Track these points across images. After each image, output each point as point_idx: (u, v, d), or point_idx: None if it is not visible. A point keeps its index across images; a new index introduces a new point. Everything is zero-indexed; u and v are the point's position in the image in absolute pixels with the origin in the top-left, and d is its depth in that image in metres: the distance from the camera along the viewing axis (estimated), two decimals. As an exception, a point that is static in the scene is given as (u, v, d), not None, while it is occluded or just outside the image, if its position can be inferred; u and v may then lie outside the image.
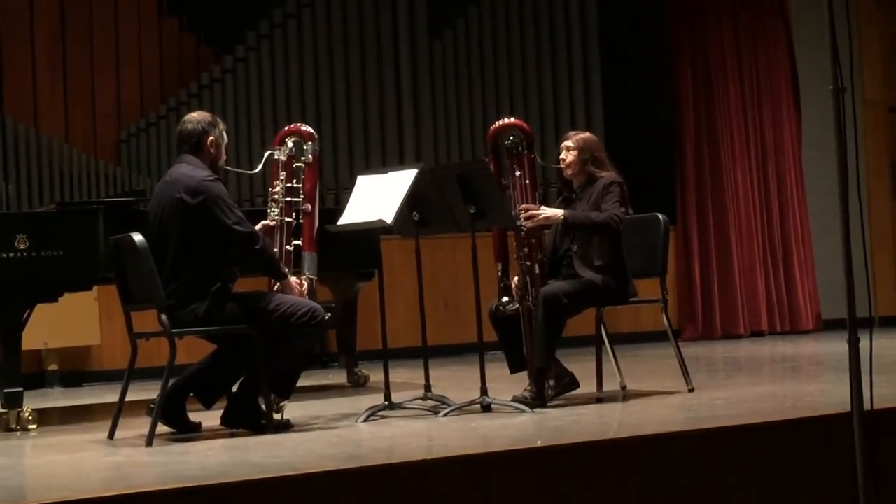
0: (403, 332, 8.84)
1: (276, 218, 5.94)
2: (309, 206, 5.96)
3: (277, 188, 5.98)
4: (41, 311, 6.54)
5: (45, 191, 10.06)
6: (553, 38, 11.31)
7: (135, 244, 5.42)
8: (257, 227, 5.91)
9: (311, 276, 5.88)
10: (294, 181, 5.98)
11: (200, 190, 5.53)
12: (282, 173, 5.99)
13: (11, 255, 6.22)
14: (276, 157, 6.02)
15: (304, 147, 6.04)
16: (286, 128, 6.25)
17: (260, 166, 6.08)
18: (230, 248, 5.59)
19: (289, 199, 5.96)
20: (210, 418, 5.76)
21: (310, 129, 6.14)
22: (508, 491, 4.43)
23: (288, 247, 5.91)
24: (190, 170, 5.63)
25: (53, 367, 9.42)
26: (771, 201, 11.35)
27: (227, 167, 6.08)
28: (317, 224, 6.00)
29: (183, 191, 5.55)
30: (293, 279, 5.78)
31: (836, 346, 7.76)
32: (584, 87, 11.28)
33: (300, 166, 6.00)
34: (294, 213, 5.95)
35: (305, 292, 5.79)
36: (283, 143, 6.07)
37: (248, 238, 5.58)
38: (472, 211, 5.93)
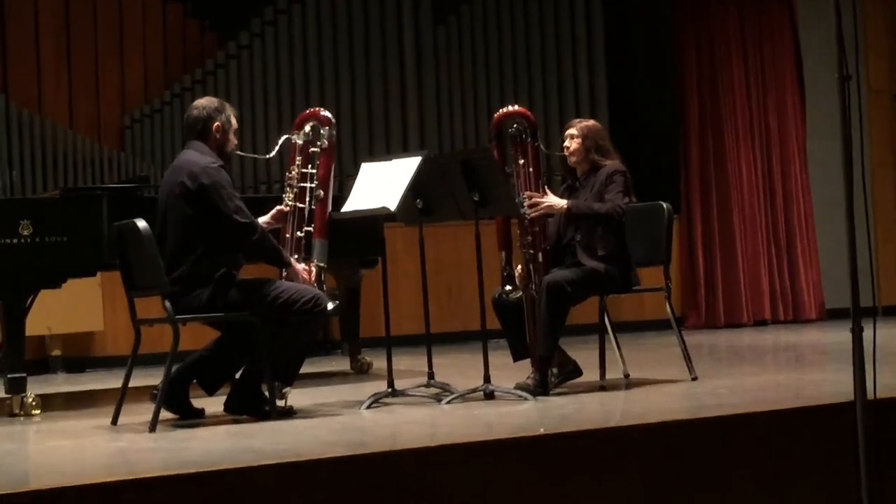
0: (407, 319, 8.85)
1: (290, 203, 5.92)
2: (322, 192, 5.93)
3: (293, 173, 5.96)
4: (45, 296, 6.53)
5: (49, 177, 10.05)
6: (557, 25, 11.30)
7: (138, 230, 5.42)
8: (272, 212, 5.91)
9: (320, 263, 5.87)
10: (309, 166, 5.96)
11: (202, 176, 5.53)
12: (298, 158, 5.96)
13: (15, 240, 6.22)
14: (293, 141, 6.00)
15: (322, 132, 6.01)
16: (305, 112, 6.21)
17: (275, 151, 6.04)
18: (229, 237, 5.58)
19: (303, 184, 5.93)
20: (213, 404, 5.77)
21: (328, 113, 6.09)
22: (511, 478, 4.43)
23: (299, 233, 5.89)
24: (195, 156, 5.63)
25: (57, 352, 9.43)
26: (775, 190, 11.33)
27: (240, 152, 6.05)
28: (329, 210, 5.98)
29: (186, 176, 5.55)
30: (302, 266, 5.78)
31: (839, 336, 7.73)
32: (588, 75, 11.27)
33: (316, 151, 5.98)
34: (307, 199, 5.93)
35: (314, 279, 5.78)
36: (301, 127, 6.04)
37: (245, 228, 5.57)
38: (475, 199, 5.93)
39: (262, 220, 5.89)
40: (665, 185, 10.44)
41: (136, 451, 4.98)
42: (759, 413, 5.05)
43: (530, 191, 6.15)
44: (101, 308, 9.32)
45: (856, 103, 4.29)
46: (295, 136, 6.00)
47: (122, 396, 5.66)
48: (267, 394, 5.57)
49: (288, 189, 5.96)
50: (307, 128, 6.03)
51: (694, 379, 6.41)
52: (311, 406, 6.02)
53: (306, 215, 5.91)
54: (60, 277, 6.46)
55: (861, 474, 4.18)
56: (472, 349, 7.33)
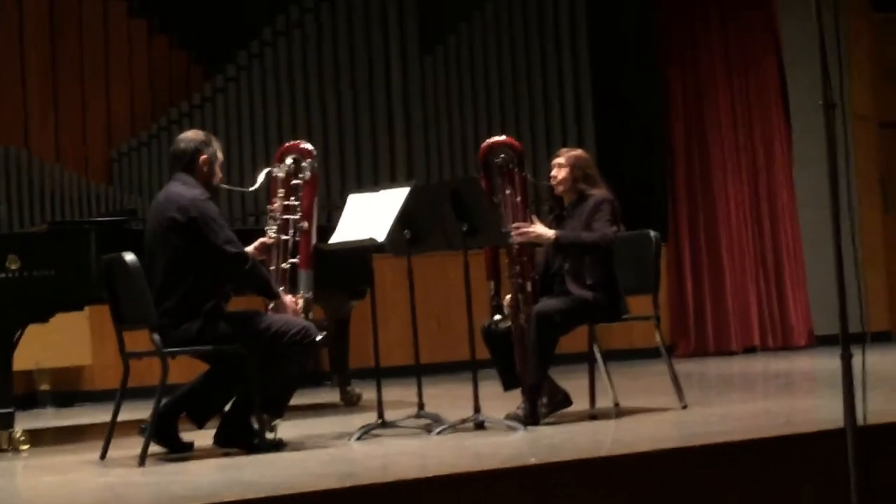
0: (396, 349, 8.83)
1: (274, 235, 5.93)
2: (306, 224, 5.94)
3: (276, 205, 5.97)
4: (33, 330, 6.51)
5: (37, 211, 10.03)
6: (544, 54, 11.33)
7: (126, 264, 5.42)
8: (255, 244, 5.91)
9: (306, 295, 5.87)
10: (292, 198, 5.97)
11: (191, 209, 5.53)
12: (280, 190, 5.98)
13: (3, 275, 6.20)
14: (275, 174, 6.01)
15: (303, 164, 6.03)
16: (286, 145, 6.24)
17: (258, 183, 6.05)
18: (220, 267, 5.58)
19: (286, 216, 5.95)
20: (202, 438, 5.74)
21: (309, 146, 6.12)
22: (502, 509, 4.42)
23: (284, 265, 5.90)
24: (183, 189, 5.63)
25: (45, 387, 9.40)
26: (762, 217, 11.35)
27: (224, 185, 6.06)
28: (314, 242, 5.99)
29: (174, 209, 5.55)
30: (288, 298, 5.77)
31: (828, 362, 7.75)
32: (574, 104, 11.29)
33: (298, 183, 5.99)
34: (291, 231, 5.94)
35: (301, 311, 5.78)
36: (282, 159, 6.06)
37: (236, 258, 5.58)
38: (463, 228, 5.94)
39: (246, 249, 5.89)
40: (652, 214, 10.44)
41: (125, 486, 4.95)
42: (750, 440, 5.04)
43: (518, 220, 6.15)
44: (90, 342, 9.30)
45: (841, 130, 4.31)
46: (276, 169, 6.02)
47: (110, 431, 5.64)
48: (256, 426, 5.56)
49: (271, 221, 5.97)
50: (288, 160, 6.04)
51: (684, 407, 6.40)
52: (301, 438, 6.00)
53: (291, 247, 5.92)
54: (48, 311, 6.45)
55: (852, 501, 4.17)
56: (461, 379, 7.32)
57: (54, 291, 6.33)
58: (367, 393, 7.52)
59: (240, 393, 5.66)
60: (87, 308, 7.12)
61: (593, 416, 6.46)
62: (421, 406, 6.17)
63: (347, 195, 6.36)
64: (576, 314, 6.14)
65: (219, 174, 5.82)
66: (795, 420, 5.91)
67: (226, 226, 5.63)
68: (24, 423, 6.56)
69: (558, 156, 6.44)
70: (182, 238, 5.54)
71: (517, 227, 6.11)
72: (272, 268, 5.88)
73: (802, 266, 11.39)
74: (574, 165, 6.33)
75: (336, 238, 6.11)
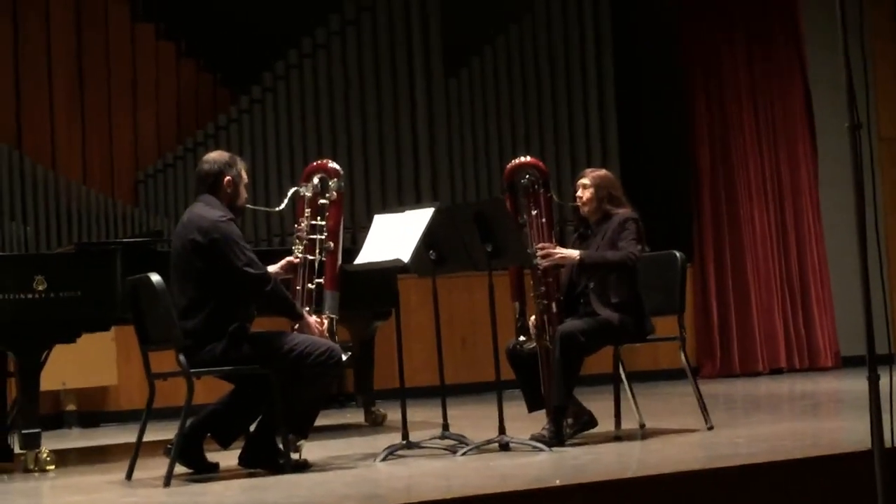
0: (421, 370, 8.83)
1: (300, 255, 5.94)
2: (332, 244, 5.95)
3: (303, 225, 5.98)
4: (59, 351, 6.55)
5: (63, 232, 10.08)
6: (568, 76, 11.33)
7: (152, 284, 5.44)
8: (281, 263, 5.92)
9: (332, 315, 5.87)
10: (318, 218, 5.98)
11: (212, 231, 5.54)
12: (307, 210, 5.99)
13: (30, 296, 6.23)
14: (301, 193, 6.03)
15: (330, 184, 6.04)
16: (313, 164, 6.24)
17: (284, 203, 6.07)
18: (241, 289, 5.59)
19: (313, 236, 5.96)
20: (227, 458, 5.75)
21: (336, 165, 6.13)
22: (527, 530, 4.41)
23: (310, 285, 5.90)
24: (205, 210, 5.65)
25: (71, 407, 9.43)
26: (788, 238, 11.32)
27: (249, 205, 6.08)
28: (339, 262, 6.00)
29: (196, 231, 5.57)
30: (314, 318, 5.78)
31: (855, 384, 7.72)
32: (599, 125, 11.29)
33: (325, 203, 6.01)
34: (318, 251, 5.95)
35: (325, 331, 5.78)
36: (309, 179, 6.07)
37: (258, 279, 5.58)
38: (488, 249, 5.94)
39: (272, 269, 5.90)
40: (677, 234, 10.43)
41: (150, 506, 4.97)
42: (777, 462, 5.02)
43: (543, 241, 6.15)
44: (116, 362, 9.32)
45: (867, 151, 4.30)
46: (303, 189, 6.03)
47: (136, 451, 5.66)
48: (281, 447, 5.56)
49: (297, 241, 5.98)
50: (315, 180, 6.05)
51: (710, 428, 6.38)
52: (326, 459, 6.01)
53: (317, 267, 5.92)
54: (75, 332, 6.48)
55: (880, 523, 4.15)
56: (486, 400, 7.32)
57: (80, 312, 6.36)
58: (392, 413, 7.52)
59: (265, 413, 5.67)
60: (113, 329, 7.15)
61: (618, 437, 6.44)
62: (446, 427, 6.16)
63: (372, 216, 6.37)
64: (601, 335, 6.13)
65: (243, 195, 5.83)
66: (822, 442, 5.88)
67: (247, 248, 5.64)
68: (50, 443, 6.58)
69: (583, 176, 6.44)
70: (203, 260, 5.56)
71: (542, 248, 6.11)
72: (298, 288, 5.89)
73: (829, 287, 11.35)
74: (599, 186, 6.33)
75: (361, 258, 6.12)
